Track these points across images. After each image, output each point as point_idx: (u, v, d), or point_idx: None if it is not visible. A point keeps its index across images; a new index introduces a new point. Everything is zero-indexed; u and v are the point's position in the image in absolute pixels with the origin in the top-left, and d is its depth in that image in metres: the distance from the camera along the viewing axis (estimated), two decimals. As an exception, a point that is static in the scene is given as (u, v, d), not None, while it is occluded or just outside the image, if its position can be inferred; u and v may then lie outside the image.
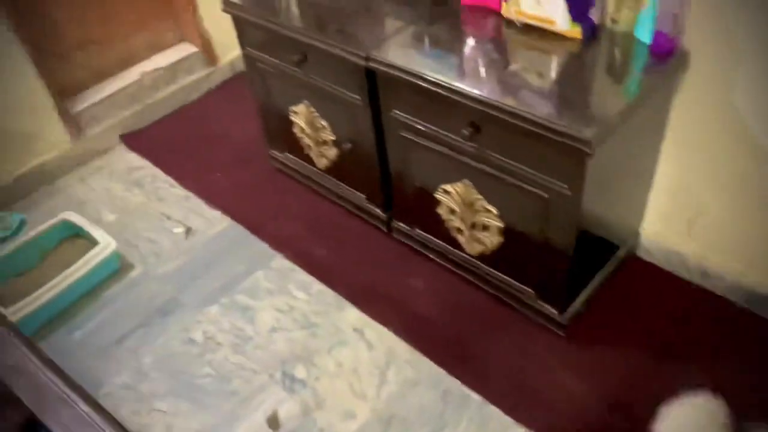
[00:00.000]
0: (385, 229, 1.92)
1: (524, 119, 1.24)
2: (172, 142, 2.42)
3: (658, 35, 1.30)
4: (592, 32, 1.40)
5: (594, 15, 1.38)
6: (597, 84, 1.34)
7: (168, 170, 2.29)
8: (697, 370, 1.49)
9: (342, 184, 1.96)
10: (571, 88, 1.31)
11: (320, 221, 2.01)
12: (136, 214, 2.14)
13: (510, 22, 1.48)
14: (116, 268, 1.94)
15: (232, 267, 1.92)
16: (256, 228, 2.02)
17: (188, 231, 2.05)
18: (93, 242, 1.93)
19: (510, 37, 1.47)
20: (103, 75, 2.40)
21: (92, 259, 1.86)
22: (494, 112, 1.29)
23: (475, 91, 1.31)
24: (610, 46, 1.39)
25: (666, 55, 1.32)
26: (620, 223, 1.65)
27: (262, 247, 1.97)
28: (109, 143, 2.42)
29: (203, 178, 2.23)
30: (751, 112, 1.34)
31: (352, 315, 1.74)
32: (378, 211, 1.89)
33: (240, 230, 2.03)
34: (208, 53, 2.57)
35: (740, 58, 1.28)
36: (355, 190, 1.92)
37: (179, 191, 2.21)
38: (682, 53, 1.34)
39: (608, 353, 1.56)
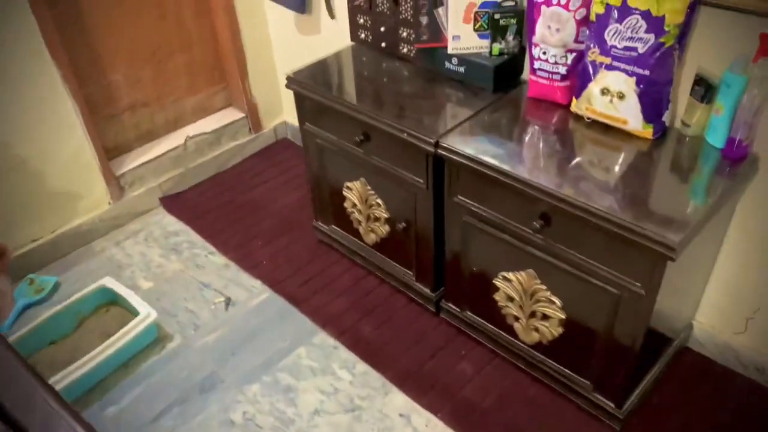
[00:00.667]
0: (432, 309, 1.90)
1: (603, 218, 1.25)
2: (211, 207, 2.42)
3: (730, 141, 1.33)
4: (663, 133, 1.43)
5: (666, 117, 1.41)
6: (671, 185, 1.35)
7: (207, 236, 2.28)
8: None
9: (390, 260, 1.95)
10: (646, 187, 1.33)
11: (365, 297, 1.99)
12: (174, 281, 2.12)
13: (578, 117, 1.51)
14: (154, 338, 1.90)
15: (274, 342, 1.88)
16: (298, 301, 2.00)
17: (228, 302, 2.03)
18: (131, 310, 1.90)
19: (578, 131, 1.50)
20: (150, 136, 2.42)
21: (132, 330, 1.82)
22: (569, 208, 1.30)
23: (551, 186, 1.32)
24: (680, 148, 1.42)
25: (738, 159, 1.34)
26: (677, 317, 1.64)
27: (304, 321, 1.94)
28: (149, 205, 2.42)
29: (243, 246, 2.22)
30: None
31: (399, 399, 1.70)
32: (426, 290, 1.88)
33: (281, 302, 2.00)
34: (253, 119, 2.61)
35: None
36: (404, 268, 1.91)
37: (218, 259, 2.20)
38: (752, 158, 1.37)
39: (669, 453, 1.52)
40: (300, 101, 1.85)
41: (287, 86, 1.82)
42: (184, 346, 1.89)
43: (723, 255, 1.58)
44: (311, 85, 1.78)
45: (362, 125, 1.67)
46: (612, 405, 1.54)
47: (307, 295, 2.01)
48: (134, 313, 1.88)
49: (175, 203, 2.44)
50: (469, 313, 1.78)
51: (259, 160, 2.66)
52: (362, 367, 1.79)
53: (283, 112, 2.72)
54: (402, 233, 1.81)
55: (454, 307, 1.82)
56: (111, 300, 1.98)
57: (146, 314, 1.85)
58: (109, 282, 1.97)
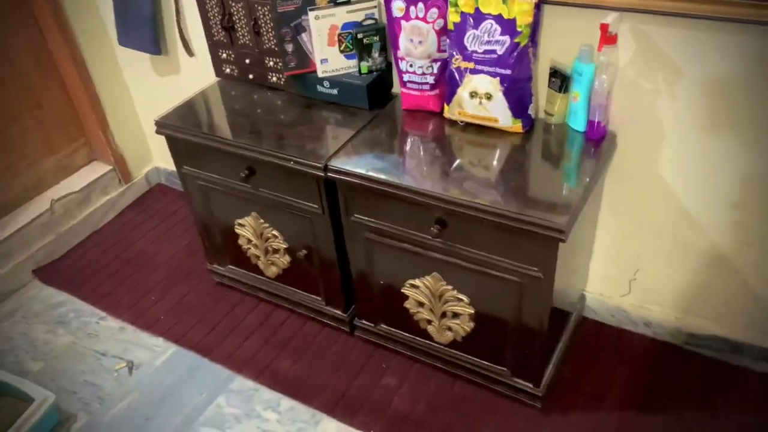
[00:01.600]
0: (347, 330, 1.90)
1: (495, 214, 1.32)
2: (93, 270, 2.25)
3: (590, 123, 1.45)
4: (531, 126, 1.53)
5: (532, 110, 1.51)
6: (547, 172, 1.46)
7: (94, 302, 2.12)
8: (664, 415, 1.60)
9: (296, 290, 1.93)
10: (525, 178, 1.42)
11: (277, 332, 1.95)
12: (66, 357, 1.95)
13: (452, 122, 1.59)
14: (56, 423, 1.74)
15: (190, 397, 1.79)
16: (207, 350, 1.91)
17: (131, 366, 1.90)
18: (23, 398, 1.73)
19: (455, 135, 1.57)
20: (9, 207, 2.21)
21: (29, 419, 1.65)
22: (460, 209, 1.36)
23: (438, 191, 1.37)
24: (549, 137, 1.53)
25: (599, 139, 1.47)
26: (572, 292, 1.76)
27: (218, 369, 1.86)
28: (22, 281, 2.21)
29: (136, 305, 2.09)
30: (675, 181, 1.52)
31: (331, 427, 1.68)
32: (338, 312, 1.87)
33: (190, 356, 1.91)
34: (122, 170, 2.46)
35: (663, 136, 1.47)
36: (312, 294, 1.90)
37: (111, 323, 2.05)
38: (611, 135, 1.51)
39: (582, 415, 1.63)
40: (173, 145, 1.78)
41: (157, 132, 1.75)
42: (92, 423, 1.74)
43: (600, 228, 1.72)
44: (183, 127, 1.72)
45: (245, 160, 1.64)
46: (530, 385, 1.63)
47: (216, 342, 1.94)
48: (28, 400, 1.71)
49: (51, 273, 2.25)
50: (384, 326, 1.81)
51: (136, 212, 2.52)
52: (287, 402, 1.75)
53: (153, 158, 2.60)
54: (304, 260, 1.80)
55: (367, 323, 1.84)
56: (2, 391, 1.78)
57: (42, 398, 1.69)
58: (-4, 372, 1.78)
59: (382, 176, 1.44)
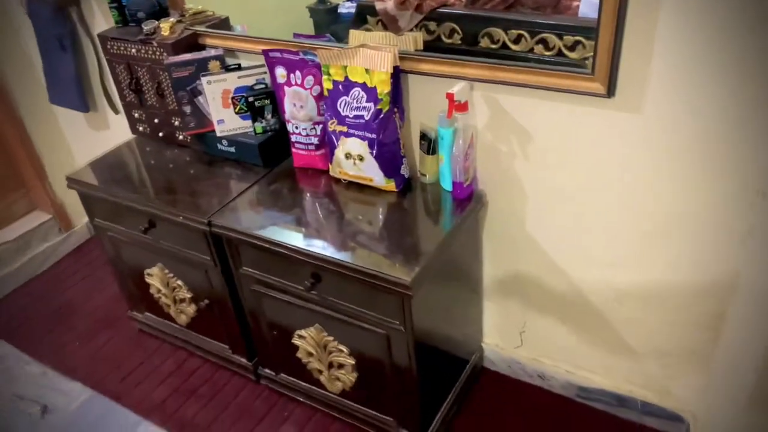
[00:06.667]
0: (253, 378, 1.95)
1: (354, 270, 1.39)
2: (25, 317, 2.34)
3: (455, 184, 1.53)
4: (405, 184, 1.61)
5: (405, 171, 1.60)
6: (411, 229, 1.53)
7: (22, 347, 2.20)
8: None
9: (205, 338, 1.99)
10: (391, 235, 1.49)
11: (188, 379, 2.01)
12: (-15, 399, 2.02)
13: (337, 180, 1.67)
14: (-38, 466, 1.80)
15: (97, 442, 1.85)
16: (119, 396, 1.97)
17: (44, 409, 1.96)
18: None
19: (339, 192, 1.66)
20: (-55, 255, 2.32)
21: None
22: (329, 265, 1.43)
23: (311, 248, 1.45)
24: (422, 195, 1.61)
25: (465, 199, 1.55)
26: (463, 341, 1.81)
27: (127, 414, 1.92)
28: (-46, 325, 2.30)
29: (60, 350, 2.17)
30: (542, 238, 1.59)
31: (226, 473, 1.72)
32: (243, 360, 1.93)
33: (103, 401, 1.97)
34: (62, 219, 2.57)
35: (525, 195, 1.54)
36: (220, 342, 1.96)
37: (34, 368, 2.12)
38: (480, 194, 1.59)
39: (470, 469, 1.66)
40: (85, 199, 1.88)
41: (68, 186, 1.85)
42: (-3, 468, 1.81)
43: (486, 282, 1.78)
44: (91, 183, 1.82)
45: (145, 214, 1.74)
46: (416, 435, 1.67)
47: (129, 388, 2.00)
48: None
49: (-16, 318, 2.34)
50: (284, 375, 1.86)
51: (75, 259, 2.62)
52: (188, 449, 1.80)
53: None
54: (207, 310, 1.87)
55: (270, 372, 1.89)
56: None
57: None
58: None
59: (259, 232, 1.52)
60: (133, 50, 1.78)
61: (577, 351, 1.74)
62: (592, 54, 1.26)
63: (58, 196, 2.53)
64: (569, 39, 1.38)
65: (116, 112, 2.17)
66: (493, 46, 1.47)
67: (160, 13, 1.80)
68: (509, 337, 1.85)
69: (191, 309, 1.92)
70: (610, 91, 1.28)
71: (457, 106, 1.41)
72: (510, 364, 1.88)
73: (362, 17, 1.68)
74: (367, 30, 1.63)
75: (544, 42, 1.41)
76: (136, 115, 1.93)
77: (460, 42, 1.53)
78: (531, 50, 1.44)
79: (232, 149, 1.79)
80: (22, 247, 2.47)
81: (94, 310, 2.33)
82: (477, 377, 1.90)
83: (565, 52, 1.38)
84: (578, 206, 1.48)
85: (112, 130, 2.27)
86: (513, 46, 1.46)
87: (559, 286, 1.64)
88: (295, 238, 1.49)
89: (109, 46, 1.83)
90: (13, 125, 2.33)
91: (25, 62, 2.32)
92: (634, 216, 1.42)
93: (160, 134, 1.91)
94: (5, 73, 2.28)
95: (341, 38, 1.66)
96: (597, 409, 1.78)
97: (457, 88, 1.40)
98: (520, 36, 1.44)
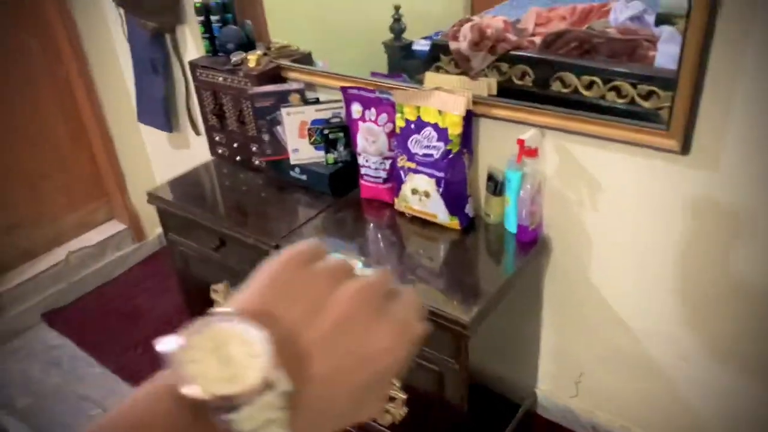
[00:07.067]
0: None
1: (412, 304, 1.41)
2: (94, 319, 2.46)
3: (519, 227, 1.54)
4: (469, 223, 1.63)
5: (469, 210, 1.62)
6: (472, 269, 1.55)
7: (88, 348, 2.32)
8: None
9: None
10: (453, 273, 1.51)
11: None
12: (52, 396, 2.13)
13: (401, 214, 1.71)
14: (26, 458, 1.90)
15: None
16: (175, 405, 2.04)
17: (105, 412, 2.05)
18: None
19: (403, 225, 1.69)
20: (29, 255, 2.48)
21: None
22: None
23: (371, 278, 1.48)
24: (484, 235, 1.63)
25: (529, 242, 1.55)
26: (517, 384, 1.79)
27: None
28: (30, 322, 2.44)
29: (124, 356, 2.27)
30: (605, 288, 1.57)
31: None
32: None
33: (158, 408, 2.04)
34: (135, 230, 2.71)
35: (591, 244, 1.53)
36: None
37: (98, 370, 2.23)
38: (545, 239, 1.59)
39: None
40: (161, 214, 1.99)
41: (149, 202, 1.96)
42: (57, 464, 1.90)
43: (544, 327, 1.77)
44: (169, 200, 1.93)
45: (217, 233, 1.82)
46: (461, 476, 1.65)
47: (184, 399, 2.06)
48: (4, 434, 1.89)
49: (57, 318, 2.48)
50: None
51: (144, 268, 2.75)
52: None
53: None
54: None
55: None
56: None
57: (16, 434, 1.87)
58: (-20, 405, 1.98)
59: (322, 259, 1.57)
60: (220, 78, 1.89)
61: (634, 407, 1.70)
62: (666, 104, 1.27)
63: (135, 207, 2.68)
64: (643, 88, 1.38)
65: (198, 133, 2.29)
66: (565, 91, 1.49)
67: (248, 45, 1.91)
68: (565, 385, 1.82)
69: (250, 327, 1.98)
70: (685, 149, 1.27)
71: (527, 151, 1.43)
72: (564, 413, 1.85)
73: (435, 55, 1.73)
74: (439, 68, 1.68)
75: (617, 89, 1.42)
76: (217, 138, 2.04)
77: (531, 84, 1.55)
78: (603, 97, 1.45)
79: (304, 177, 1.86)
80: (98, 254, 2.61)
81: (158, 319, 2.43)
82: (529, 423, 1.87)
83: (639, 101, 1.39)
84: (644, 261, 1.46)
85: (191, 151, 2.40)
86: (585, 92, 1.47)
87: (620, 339, 1.61)
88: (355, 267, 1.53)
89: (198, 73, 1.95)
90: (102, 139, 2.49)
91: (120, 82, 2.49)
92: (702, 276, 1.39)
93: (238, 158, 2.01)
94: (102, 91, 2.45)
95: (413, 75, 1.72)
96: (651, 469, 1.72)
97: (528, 134, 1.42)
98: (592, 82, 1.46)
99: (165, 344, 0.34)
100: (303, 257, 0.40)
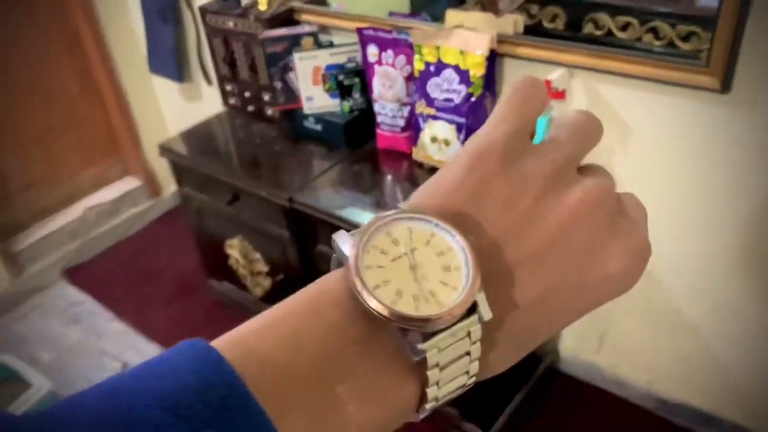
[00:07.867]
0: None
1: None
2: (112, 276, 2.46)
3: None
4: (491, 172, 1.56)
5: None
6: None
7: (107, 304, 2.31)
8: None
9: (278, 312, 2.02)
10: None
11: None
12: (74, 351, 2.14)
13: (420, 164, 1.64)
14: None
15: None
16: (193, 360, 2.04)
17: (124, 367, 2.05)
18: (28, 385, 1.91)
19: (420, 176, 1.62)
20: (46, 212, 2.46)
21: (25, 402, 1.83)
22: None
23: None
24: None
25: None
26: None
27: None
28: (51, 279, 2.44)
29: (142, 312, 2.26)
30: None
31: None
32: (312, 338, 1.94)
33: (177, 363, 2.04)
34: (151, 186, 2.68)
35: (621, 191, 1.45)
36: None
37: (117, 325, 2.23)
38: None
39: (536, 473, 1.60)
40: (175, 168, 1.94)
41: (161, 154, 1.91)
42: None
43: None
44: (182, 153, 1.87)
45: (230, 187, 1.77)
46: (479, 430, 1.62)
47: (203, 354, 2.06)
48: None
49: (77, 274, 2.47)
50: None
51: (161, 225, 2.72)
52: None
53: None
54: (283, 284, 1.89)
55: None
56: (12, 376, 1.98)
57: (39, 386, 1.87)
58: (7, 358, 1.98)
59: (337, 212, 1.52)
60: (231, 24, 1.81)
61: (661, 361, 1.64)
62: (706, 47, 1.17)
63: (150, 163, 2.64)
64: (683, 29, 1.28)
65: (209, 83, 2.22)
66: (598, 33, 1.39)
67: (259, -12, 1.82)
68: (588, 340, 1.76)
69: (267, 282, 1.95)
70: (725, 87, 1.17)
71: (555, 93, 1.34)
72: (586, 369, 1.80)
73: (461, -3, 1.63)
74: (465, 11, 1.58)
75: (654, 31, 1.32)
76: (229, 88, 1.97)
77: (562, 27, 1.45)
78: (639, 39, 1.34)
79: (319, 127, 1.79)
80: (114, 211, 2.59)
81: (175, 275, 2.41)
82: (550, 379, 1.83)
83: (678, 43, 1.29)
84: (677, 206, 1.38)
85: (204, 101, 2.33)
86: (619, 34, 1.37)
87: (647, 290, 1.54)
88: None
89: (208, 19, 1.87)
90: (115, 93, 2.44)
91: (129, 33, 2.42)
92: (740, 223, 1.31)
93: (250, 108, 1.94)
94: (112, 44, 2.38)
95: (438, 18, 1.62)
96: (676, 424, 1.67)
97: (556, 75, 1.33)
98: (627, 23, 1.35)
99: (341, 239, 0.28)
100: (510, 147, 0.30)
